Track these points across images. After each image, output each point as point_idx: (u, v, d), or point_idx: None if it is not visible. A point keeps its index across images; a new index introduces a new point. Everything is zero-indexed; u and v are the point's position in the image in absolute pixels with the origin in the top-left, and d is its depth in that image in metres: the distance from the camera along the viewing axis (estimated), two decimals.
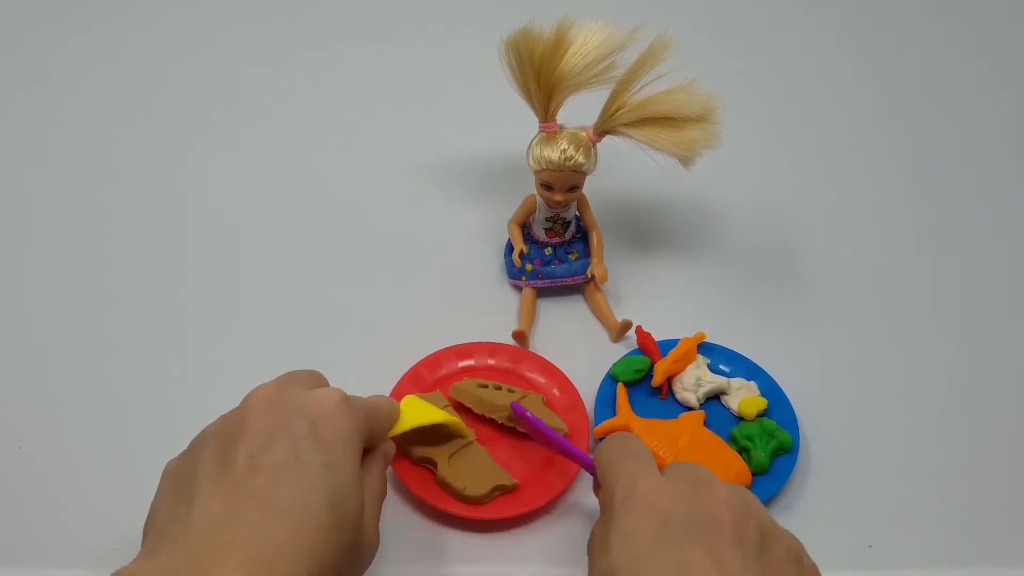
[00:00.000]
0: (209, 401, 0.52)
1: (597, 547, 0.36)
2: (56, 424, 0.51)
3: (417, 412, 0.44)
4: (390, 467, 0.47)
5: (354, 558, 0.36)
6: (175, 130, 0.72)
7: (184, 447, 0.51)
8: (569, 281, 0.59)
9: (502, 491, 0.47)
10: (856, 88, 0.82)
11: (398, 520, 0.47)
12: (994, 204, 0.70)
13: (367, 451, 0.39)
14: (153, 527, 0.34)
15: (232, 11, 0.85)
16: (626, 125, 0.53)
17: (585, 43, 0.52)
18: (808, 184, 0.72)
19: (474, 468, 0.47)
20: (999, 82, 0.84)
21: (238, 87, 0.78)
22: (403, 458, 0.48)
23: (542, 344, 0.57)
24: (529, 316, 0.57)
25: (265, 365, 0.54)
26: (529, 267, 0.58)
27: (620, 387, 0.52)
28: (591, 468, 0.42)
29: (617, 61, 0.52)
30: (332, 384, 0.41)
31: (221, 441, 0.35)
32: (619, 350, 0.57)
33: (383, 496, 0.40)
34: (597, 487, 0.41)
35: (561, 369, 0.54)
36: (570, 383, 0.53)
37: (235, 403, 0.41)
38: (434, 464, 0.47)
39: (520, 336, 0.56)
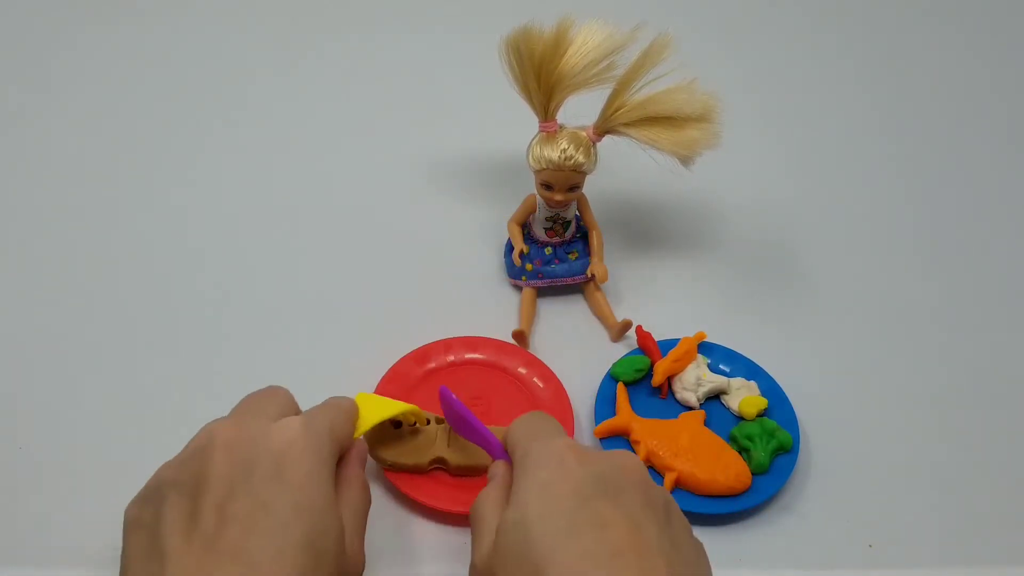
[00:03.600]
0: (209, 400, 0.52)
1: (496, 505, 0.37)
2: (56, 424, 0.51)
3: (374, 408, 0.43)
4: (387, 475, 0.47)
5: None
6: (175, 130, 0.72)
7: (180, 446, 0.51)
8: (569, 281, 0.59)
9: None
10: (856, 88, 0.82)
11: (396, 522, 0.47)
12: (994, 204, 0.70)
13: (340, 460, 0.39)
14: None
15: (235, 13, 0.85)
16: (626, 125, 0.53)
17: (585, 42, 0.52)
18: (808, 184, 0.72)
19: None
20: (999, 82, 0.84)
21: (239, 87, 0.77)
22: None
23: (542, 344, 0.57)
24: (529, 316, 0.57)
25: (264, 364, 0.55)
26: (529, 267, 0.58)
27: (620, 387, 0.52)
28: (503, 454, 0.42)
29: (617, 60, 0.52)
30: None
31: (185, 492, 0.34)
32: (619, 350, 0.57)
33: (367, 507, 0.39)
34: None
35: (560, 372, 0.53)
36: (552, 373, 0.53)
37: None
38: (443, 461, 0.47)
39: (520, 336, 0.56)
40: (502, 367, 0.54)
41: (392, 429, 0.47)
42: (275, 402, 0.39)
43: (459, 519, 0.47)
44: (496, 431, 0.44)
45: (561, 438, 0.38)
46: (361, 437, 0.42)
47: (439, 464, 0.48)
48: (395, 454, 0.47)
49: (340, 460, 0.39)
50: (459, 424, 0.45)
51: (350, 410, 0.41)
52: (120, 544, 0.42)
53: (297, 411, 0.40)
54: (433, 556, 0.46)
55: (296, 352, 0.56)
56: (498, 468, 0.41)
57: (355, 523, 0.37)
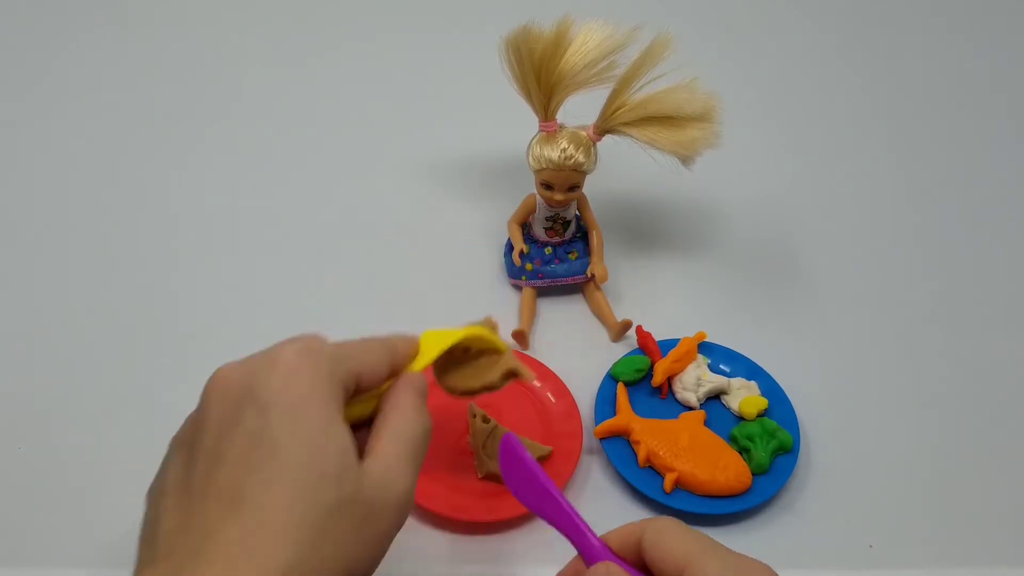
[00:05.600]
0: None
1: None
2: (56, 424, 0.51)
3: (436, 341, 0.40)
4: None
5: (366, 515, 0.32)
6: (174, 132, 0.72)
7: None
8: (569, 280, 0.59)
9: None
10: (857, 88, 0.82)
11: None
12: (994, 204, 0.70)
13: (389, 389, 0.36)
14: (139, 550, 0.33)
15: (234, 12, 0.85)
16: (626, 124, 0.53)
17: (585, 42, 0.52)
18: (809, 184, 0.72)
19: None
20: (999, 82, 0.84)
21: (238, 87, 0.77)
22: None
23: (542, 344, 0.57)
24: (529, 315, 0.57)
25: None
26: (529, 266, 0.58)
27: (620, 387, 0.52)
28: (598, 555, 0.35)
29: (617, 60, 0.52)
30: None
31: (184, 445, 0.33)
32: (619, 350, 0.57)
33: (418, 435, 0.35)
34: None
35: (560, 372, 0.53)
36: (567, 388, 0.53)
37: None
38: (515, 373, 0.41)
39: (520, 336, 0.56)
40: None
41: (462, 357, 0.42)
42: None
43: (457, 524, 0.47)
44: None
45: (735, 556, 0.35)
46: (416, 373, 0.38)
47: (512, 376, 0.42)
48: (461, 379, 0.42)
49: (389, 389, 0.36)
50: (526, 488, 0.37)
51: (382, 341, 0.37)
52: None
53: None
54: (431, 558, 0.46)
55: None
56: (607, 571, 0.34)
57: (397, 448, 0.33)
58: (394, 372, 0.37)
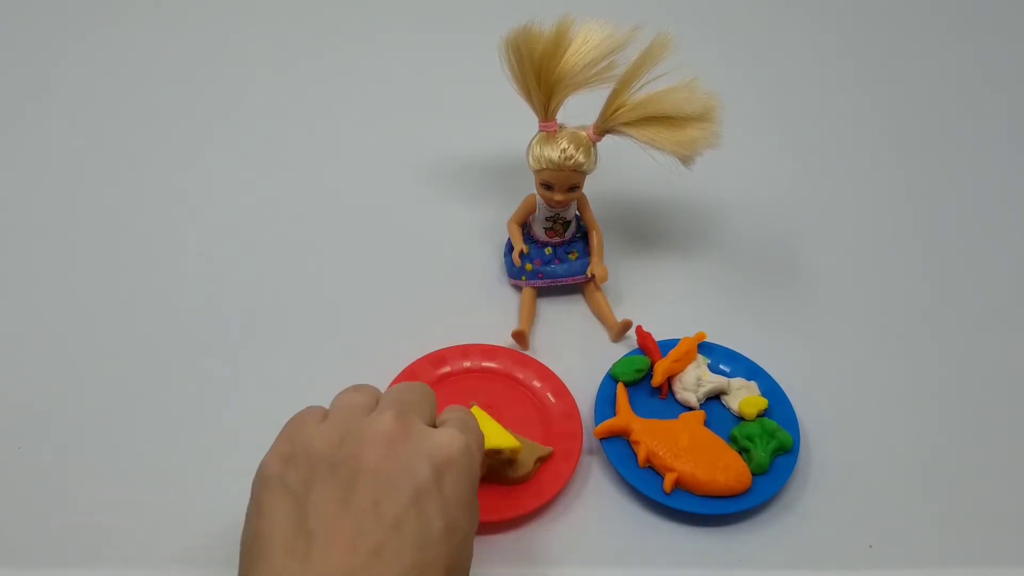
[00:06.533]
0: (208, 400, 0.53)
1: None
2: (56, 424, 0.51)
3: (489, 431, 0.44)
4: None
5: (460, 553, 0.34)
6: (175, 133, 0.72)
7: (182, 447, 0.51)
8: (569, 281, 0.59)
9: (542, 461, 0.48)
10: (856, 88, 0.82)
11: None
12: (994, 204, 0.70)
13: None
14: (263, 554, 0.32)
15: (234, 13, 0.85)
16: (626, 124, 0.53)
17: (585, 42, 0.52)
18: (809, 183, 0.72)
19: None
20: (999, 82, 0.84)
21: (239, 87, 0.77)
22: None
23: (542, 344, 0.57)
24: (529, 316, 0.57)
25: (263, 364, 0.55)
26: (529, 267, 0.58)
27: (620, 387, 0.52)
28: None
29: (617, 60, 0.52)
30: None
31: (340, 474, 0.33)
32: (619, 350, 0.57)
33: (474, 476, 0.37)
34: None
35: (560, 372, 0.53)
36: (567, 389, 0.53)
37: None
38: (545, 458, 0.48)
39: (520, 336, 0.56)
40: (516, 378, 0.54)
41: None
42: (428, 401, 0.38)
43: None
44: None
45: None
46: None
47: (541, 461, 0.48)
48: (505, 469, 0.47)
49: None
50: None
51: (480, 433, 0.39)
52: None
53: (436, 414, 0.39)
54: None
55: (296, 351, 0.56)
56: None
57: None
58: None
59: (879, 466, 0.51)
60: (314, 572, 0.31)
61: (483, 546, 0.46)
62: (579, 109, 0.54)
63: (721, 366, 0.55)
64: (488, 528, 0.47)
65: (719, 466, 0.48)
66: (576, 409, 0.52)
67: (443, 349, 0.54)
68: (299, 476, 0.34)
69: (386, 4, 0.87)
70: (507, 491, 0.47)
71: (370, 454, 0.33)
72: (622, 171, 0.62)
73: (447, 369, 0.54)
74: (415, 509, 0.33)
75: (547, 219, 0.58)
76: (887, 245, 0.67)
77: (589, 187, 0.57)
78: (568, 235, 0.59)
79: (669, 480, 0.48)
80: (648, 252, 0.64)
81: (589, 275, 0.58)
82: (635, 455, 0.49)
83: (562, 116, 0.54)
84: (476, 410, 0.45)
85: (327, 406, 0.38)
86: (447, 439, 0.35)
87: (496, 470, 0.47)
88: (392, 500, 0.32)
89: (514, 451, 0.46)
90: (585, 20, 0.52)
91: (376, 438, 0.34)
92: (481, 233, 0.64)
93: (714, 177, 0.60)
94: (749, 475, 0.48)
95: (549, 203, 0.56)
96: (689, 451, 0.48)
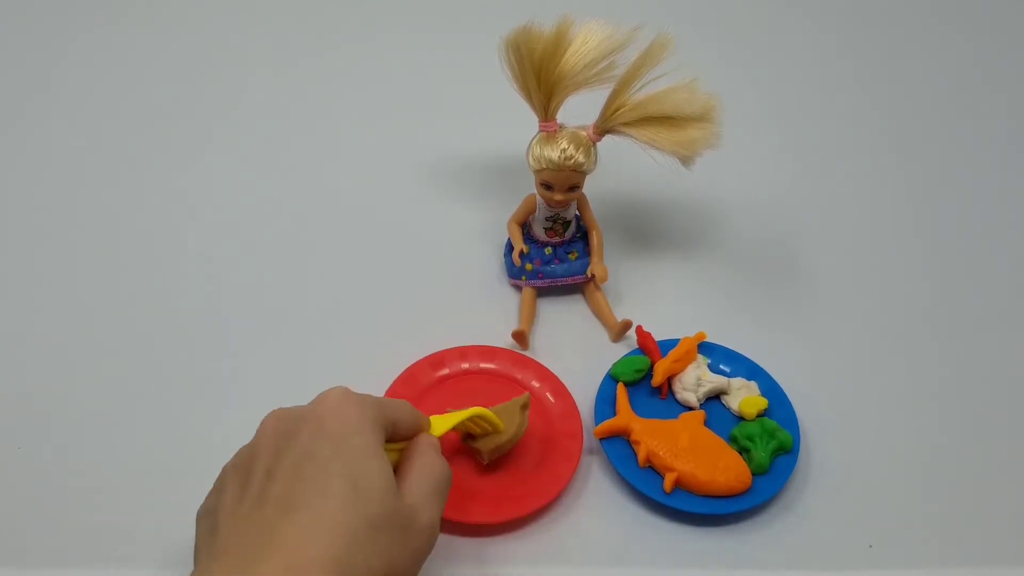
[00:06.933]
0: (208, 400, 0.53)
1: None
2: (56, 424, 0.51)
3: (446, 421, 0.44)
4: None
5: (402, 529, 0.36)
6: (175, 133, 0.72)
7: (181, 447, 0.51)
8: (569, 281, 0.59)
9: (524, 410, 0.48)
10: (857, 88, 0.82)
11: None
12: (994, 204, 0.70)
13: (411, 442, 0.40)
14: (196, 559, 0.36)
15: (234, 13, 0.85)
16: (626, 124, 0.53)
17: (585, 42, 0.52)
18: (809, 183, 0.72)
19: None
20: (999, 82, 0.84)
21: (239, 88, 0.78)
22: None
23: (542, 344, 0.57)
24: (529, 316, 0.57)
25: (263, 364, 0.55)
26: (529, 267, 0.58)
27: (620, 387, 0.52)
28: None
29: (617, 60, 0.52)
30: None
31: (240, 468, 0.37)
32: (619, 350, 0.57)
33: (440, 477, 0.39)
34: None
35: (560, 372, 0.53)
36: (566, 389, 0.53)
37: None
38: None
39: (520, 336, 0.56)
40: (515, 379, 0.54)
41: (478, 432, 0.48)
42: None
43: (456, 527, 0.46)
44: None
45: None
46: (430, 433, 0.42)
47: (526, 408, 0.48)
48: (489, 441, 0.47)
49: (411, 443, 0.40)
50: None
51: (410, 408, 0.41)
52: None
53: None
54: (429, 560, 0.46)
55: (296, 352, 0.55)
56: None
57: (423, 486, 0.38)
58: (417, 431, 0.41)
59: (879, 466, 0.51)
60: (225, 550, 0.34)
61: (484, 547, 0.46)
62: (579, 109, 0.54)
63: (721, 366, 0.55)
64: (489, 529, 0.47)
65: (719, 466, 0.48)
66: (576, 409, 0.52)
67: (442, 351, 0.54)
68: (214, 496, 0.37)
69: (386, 4, 0.87)
70: (508, 492, 0.47)
71: (262, 436, 0.38)
72: (622, 171, 0.62)
73: (446, 371, 0.54)
74: (303, 453, 0.35)
75: (547, 219, 0.58)
76: (887, 245, 0.67)
77: (589, 187, 0.57)
78: (568, 235, 0.59)
79: (669, 480, 0.48)
80: (648, 252, 0.64)
81: (589, 275, 0.58)
82: (635, 455, 0.49)
83: (562, 116, 0.54)
84: (434, 416, 0.44)
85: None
86: (323, 396, 0.38)
87: (493, 443, 0.47)
88: (281, 457, 0.36)
89: (474, 419, 0.46)
90: (585, 20, 0.52)
91: (266, 423, 0.38)
92: (481, 233, 0.64)
93: (714, 177, 0.60)
94: (749, 475, 0.48)
95: (549, 203, 0.56)
96: (689, 451, 0.48)
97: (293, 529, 0.33)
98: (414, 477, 0.38)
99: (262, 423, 0.38)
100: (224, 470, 0.38)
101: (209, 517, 0.36)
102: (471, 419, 0.46)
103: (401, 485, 0.37)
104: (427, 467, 0.39)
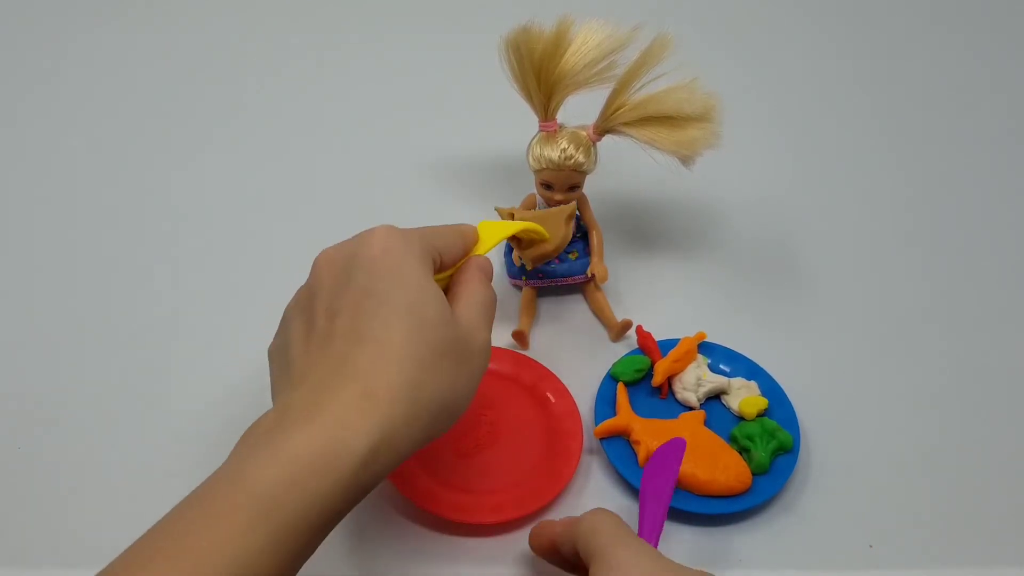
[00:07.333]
0: (209, 400, 0.53)
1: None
2: (56, 424, 0.51)
3: (494, 231, 0.46)
4: (389, 480, 0.47)
5: (460, 354, 0.38)
6: (174, 131, 0.72)
7: (181, 447, 0.51)
8: (569, 280, 0.59)
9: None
10: (857, 88, 0.82)
11: (393, 528, 0.47)
12: (994, 204, 0.70)
13: (458, 269, 0.43)
14: (274, 403, 0.38)
15: (234, 12, 0.85)
16: (626, 124, 0.53)
17: (585, 42, 0.52)
18: (809, 183, 0.72)
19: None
20: (999, 82, 0.84)
21: (239, 87, 0.77)
22: (399, 473, 0.47)
23: (542, 344, 0.57)
24: (529, 315, 0.57)
25: (265, 364, 0.55)
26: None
27: (620, 387, 0.52)
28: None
29: (617, 60, 0.52)
30: None
31: (302, 311, 0.39)
32: (619, 350, 0.57)
33: (487, 302, 0.41)
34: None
35: (560, 372, 0.53)
36: (566, 389, 0.53)
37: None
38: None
39: (520, 336, 0.56)
40: (516, 379, 0.54)
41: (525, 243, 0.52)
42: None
43: (457, 527, 0.47)
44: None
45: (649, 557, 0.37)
46: (482, 256, 0.44)
47: (572, 216, 0.53)
48: (535, 250, 0.51)
49: (459, 269, 0.43)
50: (654, 487, 0.44)
51: (457, 231, 0.44)
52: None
53: None
54: (429, 561, 0.46)
55: None
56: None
57: (473, 310, 0.40)
58: (464, 255, 0.43)
59: (879, 466, 0.51)
60: (300, 385, 0.36)
61: (484, 547, 0.46)
62: (579, 109, 0.54)
63: (721, 366, 0.55)
64: (489, 529, 0.47)
65: (719, 466, 0.48)
66: (576, 409, 0.52)
67: None
68: (281, 338, 0.40)
69: (386, 4, 0.87)
70: (508, 492, 0.47)
71: (319, 279, 0.39)
72: (622, 171, 0.62)
73: None
74: (359, 289, 0.37)
75: None
76: (887, 245, 0.67)
77: (589, 187, 0.57)
78: None
79: None
80: (648, 252, 0.64)
81: (589, 275, 0.58)
82: (635, 455, 0.49)
83: (562, 116, 0.54)
84: (483, 223, 0.47)
85: None
86: (369, 233, 0.40)
87: (539, 251, 0.52)
88: (340, 296, 0.38)
89: (527, 231, 0.49)
90: (585, 20, 0.52)
91: (320, 265, 0.40)
92: None
93: (714, 177, 0.60)
94: (749, 475, 0.48)
95: (549, 203, 0.56)
96: (689, 451, 0.48)
97: (364, 359, 0.35)
98: (464, 303, 0.40)
99: (315, 264, 0.40)
100: (287, 311, 0.40)
101: (281, 353, 0.39)
102: (521, 232, 0.49)
103: (453, 311, 0.39)
104: (476, 293, 0.41)
